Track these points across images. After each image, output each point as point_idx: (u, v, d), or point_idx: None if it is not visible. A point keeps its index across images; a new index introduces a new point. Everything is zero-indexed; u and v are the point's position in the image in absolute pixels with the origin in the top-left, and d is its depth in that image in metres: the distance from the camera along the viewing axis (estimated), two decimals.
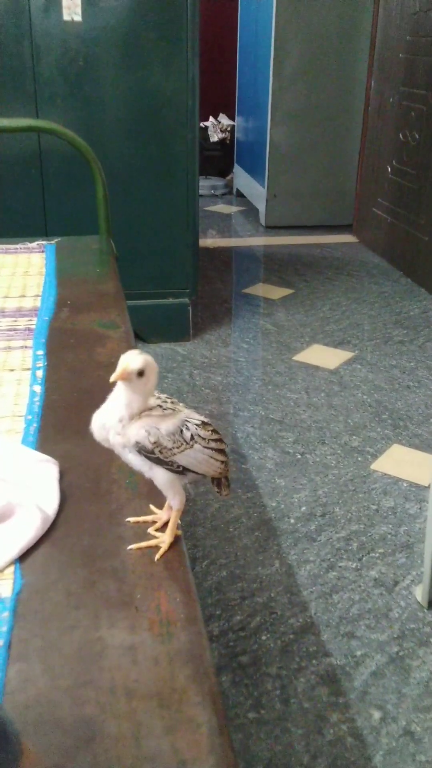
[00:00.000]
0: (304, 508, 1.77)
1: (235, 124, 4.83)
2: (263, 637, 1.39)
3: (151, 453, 0.67)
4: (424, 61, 3.13)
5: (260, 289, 3.24)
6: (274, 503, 1.78)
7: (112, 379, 0.66)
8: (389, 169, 3.52)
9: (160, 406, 0.69)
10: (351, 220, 4.04)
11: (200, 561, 1.58)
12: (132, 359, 0.66)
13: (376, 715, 1.25)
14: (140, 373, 0.66)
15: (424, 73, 3.14)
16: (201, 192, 4.43)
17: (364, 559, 1.61)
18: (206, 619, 1.42)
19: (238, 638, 1.39)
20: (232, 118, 4.97)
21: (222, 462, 0.71)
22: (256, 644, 1.38)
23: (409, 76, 3.27)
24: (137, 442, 0.67)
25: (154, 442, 0.67)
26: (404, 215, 3.40)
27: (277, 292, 3.19)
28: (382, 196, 3.64)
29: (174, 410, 0.69)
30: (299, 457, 1.97)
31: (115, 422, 0.67)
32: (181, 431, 0.68)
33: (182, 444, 0.68)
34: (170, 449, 0.68)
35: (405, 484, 1.86)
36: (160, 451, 0.67)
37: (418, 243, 3.27)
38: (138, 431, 0.67)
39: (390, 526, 1.71)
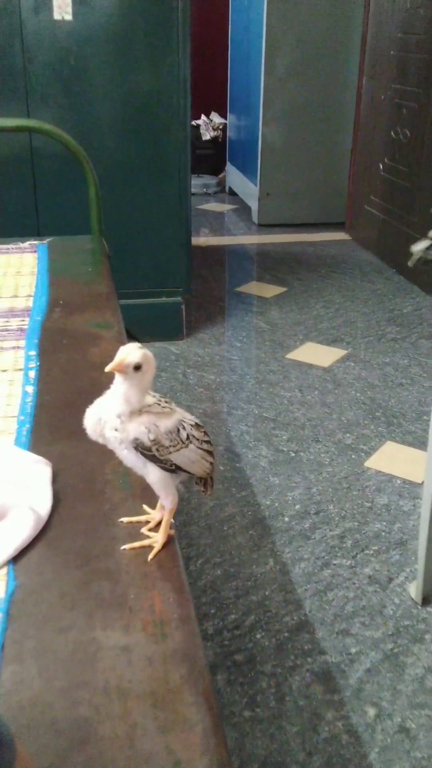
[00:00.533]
0: (298, 506, 1.77)
1: (227, 122, 4.82)
2: (258, 636, 1.39)
3: (148, 450, 0.67)
4: (415, 58, 3.14)
5: (253, 288, 3.24)
6: (268, 501, 1.78)
7: (107, 369, 0.65)
8: (381, 166, 3.53)
9: (158, 404, 0.69)
10: (344, 218, 4.05)
11: (194, 560, 1.58)
12: (131, 352, 0.66)
13: (371, 712, 1.25)
14: (137, 368, 0.66)
15: (415, 70, 3.15)
16: (193, 190, 4.43)
17: (358, 556, 1.61)
18: (201, 617, 1.42)
19: (232, 637, 1.39)
20: (224, 116, 4.97)
21: (210, 463, 0.72)
22: (251, 643, 1.38)
23: (401, 74, 3.27)
24: (136, 438, 0.67)
25: (153, 440, 0.67)
26: (397, 213, 3.41)
27: (270, 291, 3.19)
28: (374, 194, 3.64)
29: (170, 410, 0.69)
30: (293, 455, 1.98)
31: (113, 417, 0.67)
32: (178, 430, 0.68)
33: (178, 443, 0.68)
34: (167, 447, 0.68)
35: (399, 481, 1.87)
36: (157, 449, 0.67)
37: (411, 240, 3.26)
38: (138, 427, 0.67)
39: (384, 523, 1.72)
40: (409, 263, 1.22)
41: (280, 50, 3.76)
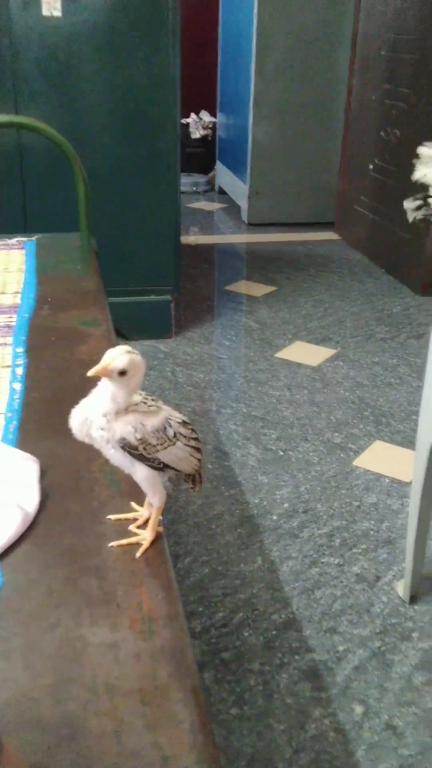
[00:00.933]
0: (286, 505, 1.77)
1: (217, 120, 4.82)
2: (246, 634, 1.40)
3: (134, 449, 0.67)
4: (405, 59, 3.15)
5: (243, 287, 3.24)
6: (257, 500, 1.79)
7: (89, 373, 0.65)
8: (371, 166, 3.54)
9: (144, 402, 0.69)
10: (333, 218, 4.05)
11: (182, 558, 1.58)
12: (117, 357, 0.65)
13: (359, 709, 1.25)
14: (122, 373, 0.65)
15: (405, 71, 3.16)
16: (183, 189, 4.43)
17: (346, 555, 1.61)
18: (188, 615, 1.42)
19: (220, 635, 1.39)
20: (213, 114, 4.96)
21: (198, 459, 0.72)
22: (239, 640, 1.38)
23: (391, 74, 3.28)
24: (122, 438, 0.67)
25: (140, 439, 0.67)
26: (386, 213, 3.42)
27: (259, 290, 3.19)
28: (364, 194, 3.65)
29: (157, 408, 0.69)
30: (282, 454, 1.98)
31: (99, 417, 0.67)
32: (165, 428, 0.68)
33: (165, 441, 0.68)
34: (154, 446, 0.68)
35: (387, 480, 1.87)
36: (144, 448, 0.67)
37: (400, 240, 3.28)
38: (124, 427, 0.67)
39: (372, 522, 1.72)
40: (409, 219, 1.24)
41: (271, 49, 3.77)
